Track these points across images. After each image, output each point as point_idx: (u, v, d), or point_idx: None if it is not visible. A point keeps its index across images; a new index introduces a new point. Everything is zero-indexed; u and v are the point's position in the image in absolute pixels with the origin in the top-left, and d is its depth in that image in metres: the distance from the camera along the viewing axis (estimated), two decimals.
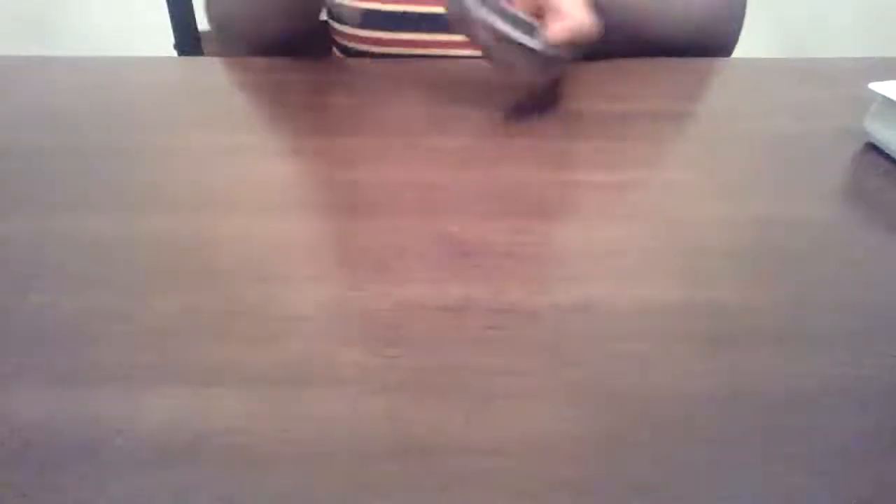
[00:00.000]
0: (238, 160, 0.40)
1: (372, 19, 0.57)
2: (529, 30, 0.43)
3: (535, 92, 0.48)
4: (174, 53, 1.00)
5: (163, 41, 1.01)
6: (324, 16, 0.63)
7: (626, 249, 0.32)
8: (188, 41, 0.99)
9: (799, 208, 0.35)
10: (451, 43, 0.57)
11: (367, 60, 0.57)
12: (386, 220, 0.34)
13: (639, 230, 0.33)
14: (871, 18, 1.58)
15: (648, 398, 0.24)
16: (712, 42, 0.60)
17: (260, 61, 0.55)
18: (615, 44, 0.54)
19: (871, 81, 0.41)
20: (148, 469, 0.22)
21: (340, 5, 0.59)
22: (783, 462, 0.22)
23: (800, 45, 1.61)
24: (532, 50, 0.42)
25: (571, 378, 0.25)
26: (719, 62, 0.56)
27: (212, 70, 0.55)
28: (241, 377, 0.25)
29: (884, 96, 0.40)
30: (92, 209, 0.35)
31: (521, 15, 0.44)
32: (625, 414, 0.24)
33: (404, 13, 0.57)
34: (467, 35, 0.44)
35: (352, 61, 0.58)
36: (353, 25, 0.58)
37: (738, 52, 0.62)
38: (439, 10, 0.53)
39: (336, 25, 0.61)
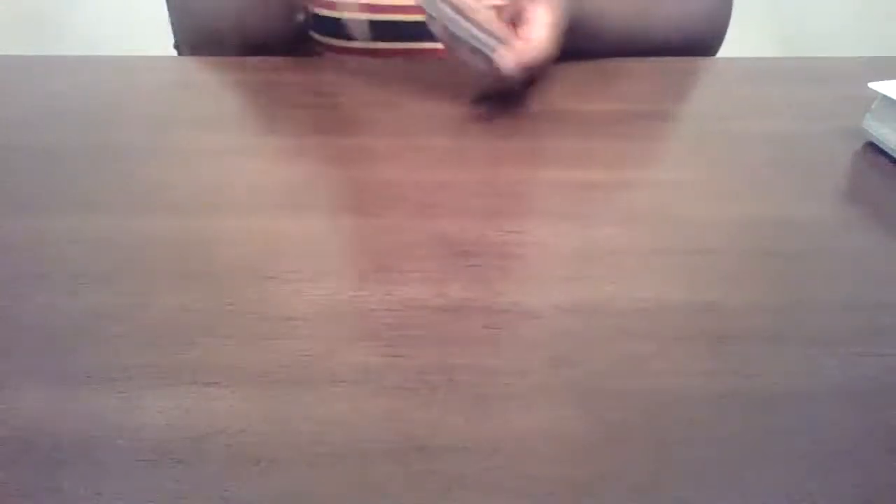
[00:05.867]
0: (237, 160, 0.40)
1: (380, 30, 0.57)
2: (493, 41, 0.43)
3: (533, 93, 0.48)
4: (174, 53, 1.00)
5: (163, 41, 1.01)
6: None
7: (625, 249, 0.32)
8: None
9: (799, 208, 0.35)
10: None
11: (367, 61, 0.57)
12: (385, 220, 0.34)
13: (638, 230, 0.33)
14: (871, 18, 1.58)
15: (648, 398, 0.24)
16: (702, 43, 0.60)
17: (259, 61, 0.55)
18: (606, 46, 0.54)
19: (871, 81, 0.41)
20: (148, 469, 0.22)
21: (339, 20, 0.58)
22: (783, 462, 0.22)
23: (799, 45, 1.61)
24: (487, 56, 0.43)
25: (571, 378, 0.25)
26: (719, 62, 0.56)
27: (211, 70, 0.55)
28: (241, 377, 0.25)
29: (883, 95, 0.40)
30: (92, 209, 0.35)
31: (487, 26, 0.44)
32: (625, 414, 0.24)
33: (415, 22, 0.56)
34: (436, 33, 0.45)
35: (351, 61, 0.58)
36: (363, 39, 0.57)
37: (737, 52, 0.62)
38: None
39: (335, 42, 0.60)
